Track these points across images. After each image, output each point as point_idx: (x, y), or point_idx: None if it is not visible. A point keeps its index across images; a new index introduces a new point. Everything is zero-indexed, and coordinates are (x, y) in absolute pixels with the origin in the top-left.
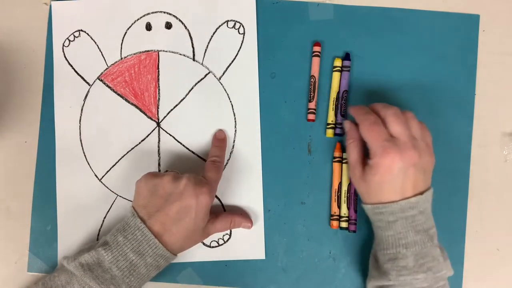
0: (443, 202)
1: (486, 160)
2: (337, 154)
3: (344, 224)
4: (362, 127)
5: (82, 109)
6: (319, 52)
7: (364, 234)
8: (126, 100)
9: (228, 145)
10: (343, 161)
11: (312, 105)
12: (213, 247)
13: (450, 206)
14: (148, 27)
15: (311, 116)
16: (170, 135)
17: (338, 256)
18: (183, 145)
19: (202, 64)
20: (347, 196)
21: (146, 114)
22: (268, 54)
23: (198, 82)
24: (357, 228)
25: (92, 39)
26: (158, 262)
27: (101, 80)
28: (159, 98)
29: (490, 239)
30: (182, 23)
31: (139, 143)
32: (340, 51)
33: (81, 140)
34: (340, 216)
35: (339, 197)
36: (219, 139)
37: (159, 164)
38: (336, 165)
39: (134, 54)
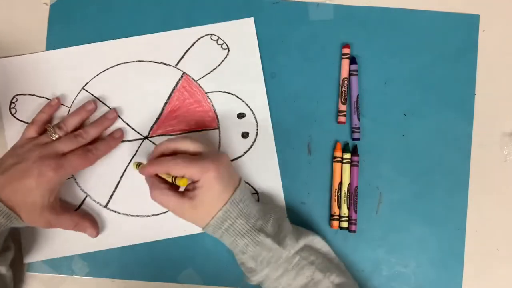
0: (443, 202)
1: (486, 160)
2: (337, 154)
3: (344, 224)
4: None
5: None
6: (348, 53)
7: (364, 234)
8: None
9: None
10: (343, 161)
11: (343, 107)
12: None
13: (450, 206)
14: None
15: (342, 119)
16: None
17: (338, 256)
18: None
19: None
20: (347, 196)
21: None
22: (268, 54)
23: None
24: (357, 228)
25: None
26: None
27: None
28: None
29: (490, 239)
30: None
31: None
32: (339, 52)
33: None
34: (340, 216)
35: (339, 197)
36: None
37: None
38: (336, 165)
39: None
